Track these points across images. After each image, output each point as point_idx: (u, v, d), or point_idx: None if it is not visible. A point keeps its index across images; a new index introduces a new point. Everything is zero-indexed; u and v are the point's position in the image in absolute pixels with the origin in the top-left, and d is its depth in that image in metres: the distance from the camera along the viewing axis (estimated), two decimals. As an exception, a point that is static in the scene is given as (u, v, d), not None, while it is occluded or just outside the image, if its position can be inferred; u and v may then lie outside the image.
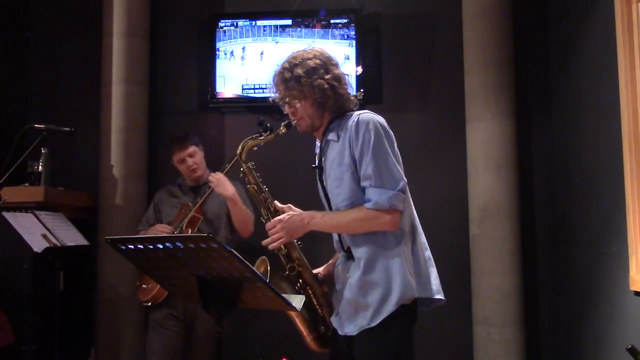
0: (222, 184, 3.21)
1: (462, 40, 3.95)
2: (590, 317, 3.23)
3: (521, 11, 3.96)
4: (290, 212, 2.20)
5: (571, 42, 3.55)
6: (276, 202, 2.27)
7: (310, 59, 2.16)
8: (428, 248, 2.20)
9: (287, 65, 2.18)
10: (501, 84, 3.81)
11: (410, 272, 2.07)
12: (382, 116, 2.17)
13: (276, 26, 4.09)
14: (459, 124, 3.97)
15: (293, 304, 1.90)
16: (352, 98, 2.23)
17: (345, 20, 4.05)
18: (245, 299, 1.91)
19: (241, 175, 2.35)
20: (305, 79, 2.13)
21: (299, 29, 4.07)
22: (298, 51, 2.24)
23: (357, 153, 2.08)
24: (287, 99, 2.20)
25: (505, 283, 3.71)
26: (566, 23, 3.66)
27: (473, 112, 3.88)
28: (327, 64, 2.18)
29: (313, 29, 4.06)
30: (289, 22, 4.08)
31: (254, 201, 2.34)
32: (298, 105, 2.18)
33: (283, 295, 1.90)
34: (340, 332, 2.16)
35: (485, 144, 3.81)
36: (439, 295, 2.13)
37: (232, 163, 3.18)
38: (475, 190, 3.85)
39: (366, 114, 2.12)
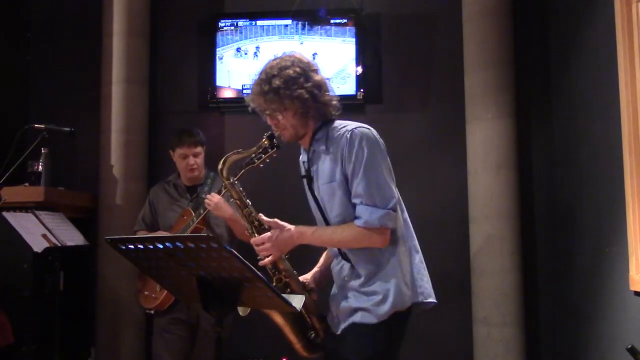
0: (219, 207, 3.11)
1: (462, 40, 3.94)
2: (590, 317, 3.23)
3: (521, 11, 3.96)
4: (278, 229, 2.10)
5: (571, 42, 3.54)
6: (261, 215, 2.16)
7: (288, 67, 2.07)
8: (419, 250, 2.19)
9: (264, 76, 2.09)
10: (501, 84, 3.81)
11: (405, 283, 2.08)
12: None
13: (276, 26, 4.09)
14: (459, 124, 3.96)
15: (293, 304, 1.90)
16: (335, 102, 2.15)
17: (345, 20, 4.05)
18: (245, 299, 1.91)
19: (224, 190, 2.25)
20: (284, 90, 2.05)
21: (299, 29, 4.07)
22: (275, 59, 2.13)
23: (350, 170, 2.05)
24: (267, 112, 2.12)
25: (505, 283, 3.71)
26: (566, 23, 3.65)
27: (473, 112, 3.88)
28: (306, 70, 2.09)
29: (313, 29, 4.06)
30: (289, 22, 4.08)
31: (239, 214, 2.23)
32: (280, 117, 2.10)
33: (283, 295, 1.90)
34: (336, 332, 2.17)
35: (485, 144, 3.80)
36: (431, 299, 2.15)
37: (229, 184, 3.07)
38: (475, 190, 3.85)
39: (358, 129, 2.06)
